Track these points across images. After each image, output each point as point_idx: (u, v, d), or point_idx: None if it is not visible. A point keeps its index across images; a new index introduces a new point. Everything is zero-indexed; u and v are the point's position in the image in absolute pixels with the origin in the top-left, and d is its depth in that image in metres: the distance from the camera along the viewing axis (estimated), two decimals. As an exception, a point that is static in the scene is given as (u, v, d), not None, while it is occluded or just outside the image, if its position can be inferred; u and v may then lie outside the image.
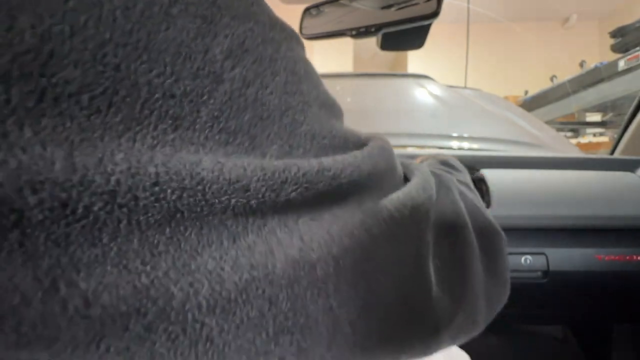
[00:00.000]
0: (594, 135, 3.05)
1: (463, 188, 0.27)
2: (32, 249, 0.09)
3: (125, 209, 0.10)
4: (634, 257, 0.62)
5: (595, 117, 3.12)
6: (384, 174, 0.18)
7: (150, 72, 0.11)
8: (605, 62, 2.60)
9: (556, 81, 3.24)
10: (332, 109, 0.18)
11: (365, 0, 0.50)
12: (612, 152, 0.96)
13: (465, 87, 1.43)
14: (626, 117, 0.94)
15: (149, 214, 0.10)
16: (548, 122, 2.12)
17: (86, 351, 0.09)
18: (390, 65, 5.86)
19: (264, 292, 0.12)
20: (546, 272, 0.61)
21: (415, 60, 4.75)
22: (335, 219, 0.15)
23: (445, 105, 1.21)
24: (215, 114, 0.13)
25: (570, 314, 0.78)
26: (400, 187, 0.19)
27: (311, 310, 0.13)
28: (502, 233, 0.28)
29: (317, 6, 0.54)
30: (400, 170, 0.21)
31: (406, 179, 0.21)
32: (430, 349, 0.19)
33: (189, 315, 0.10)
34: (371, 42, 0.53)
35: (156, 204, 0.10)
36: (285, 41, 0.16)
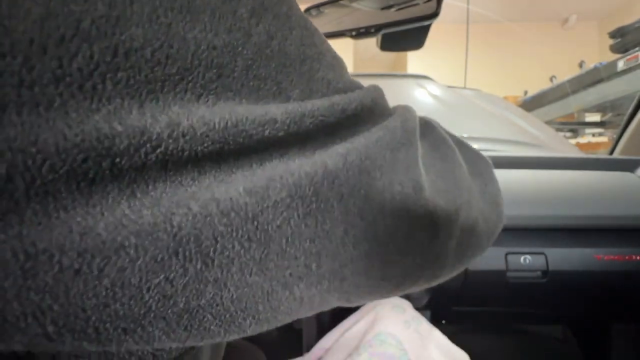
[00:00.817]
0: (593, 135, 3.06)
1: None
2: (117, 172, 0.11)
3: (187, 137, 0.12)
4: (633, 257, 0.62)
5: (595, 117, 3.12)
6: (380, 108, 0.21)
7: (194, 29, 0.13)
8: (604, 63, 2.60)
9: (556, 81, 3.25)
10: (340, 61, 0.21)
11: (365, 1, 0.50)
12: (612, 152, 0.97)
13: (464, 87, 1.43)
14: (625, 117, 0.94)
15: (204, 144, 0.13)
16: (547, 122, 2.12)
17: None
18: (390, 65, 5.86)
19: (287, 180, 0.14)
20: (545, 272, 0.61)
21: (415, 60, 4.76)
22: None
23: (445, 105, 1.21)
24: (249, 62, 0.14)
25: (570, 313, 0.79)
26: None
27: (328, 196, 0.15)
28: (489, 160, 0.30)
29: (317, 7, 0.54)
30: (389, 107, 0.23)
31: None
32: (438, 259, 0.22)
33: (233, 196, 0.13)
34: (371, 43, 0.53)
35: (209, 134, 0.13)
36: (293, 1, 0.18)
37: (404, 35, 0.49)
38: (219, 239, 0.13)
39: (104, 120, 0.11)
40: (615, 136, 0.98)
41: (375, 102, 0.20)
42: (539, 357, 0.99)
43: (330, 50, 0.20)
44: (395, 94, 1.30)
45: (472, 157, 0.29)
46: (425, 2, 0.46)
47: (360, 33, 0.51)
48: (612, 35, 2.69)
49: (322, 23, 0.55)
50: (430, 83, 1.30)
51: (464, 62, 2.20)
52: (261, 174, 0.14)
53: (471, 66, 2.25)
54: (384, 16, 0.49)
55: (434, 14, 0.45)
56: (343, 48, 4.26)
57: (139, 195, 0.12)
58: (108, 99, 0.11)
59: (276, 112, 0.15)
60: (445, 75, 1.85)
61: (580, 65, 2.99)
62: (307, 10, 0.55)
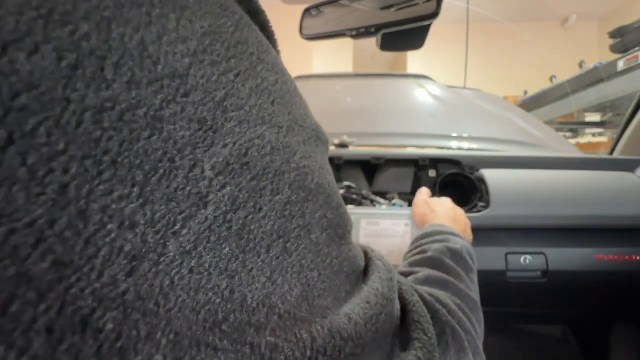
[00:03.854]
0: (593, 135, 3.05)
1: (464, 322, 0.25)
2: None
3: None
4: (633, 257, 0.62)
5: (595, 118, 3.12)
6: (384, 332, 0.17)
7: (109, 195, 0.09)
8: (604, 63, 2.60)
9: (556, 81, 3.24)
10: (337, 229, 0.16)
11: (365, 1, 0.50)
12: (612, 152, 0.97)
13: (464, 87, 1.43)
14: (625, 117, 0.94)
15: None
16: (547, 122, 2.12)
17: None
18: (390, 65, 5.85)
19: None
20: (545, 272, 0.61)
21: (415, 60, 4.75)
22: None
23: (445, 105, 1.21)
24: (188, 248, 0.10)
25: (570, 313, 0.79)
26: (396, 340, 0.19)
27: None
28: None
29: (317, 7, 0.54)
30: (397, 308, 0.19)
31: (403, 311, 0.20)
32: None
33: None
34: (371, 42, 0.53)
35: None
36: (302, 145, 0.14)
37: (404, 35, 0.49)
38: None
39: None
40: (615, 136, 0.98)
41: (379, 329, 0.16)
42: (539, 357, 0.99)
43: (327, 216, 0.15)
44: (395, 94, 1.30)
45: None
46: (425, 2, 0.46)
47: (360, 33, 0.51)
48: (612, 35, 2.68)
49: (322, 23, 0.55)
50: (430, 83, 1.30)
51: (464, 61, 2.21)
52: None
53: (471, 66, 2.25)
54: (384, 16, 0.49)
55: (434, 14, 0.45)
56: (343, 48, 4.26)
57: None
58: None
59: None
60: (445, 75, 1.85)
61: (580, 65, 2.99)
62: (307, 10, 0.55)
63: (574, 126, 3.18)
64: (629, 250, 0.62)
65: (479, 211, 0.63)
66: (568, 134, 3.12)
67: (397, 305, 0.19)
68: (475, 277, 0.34)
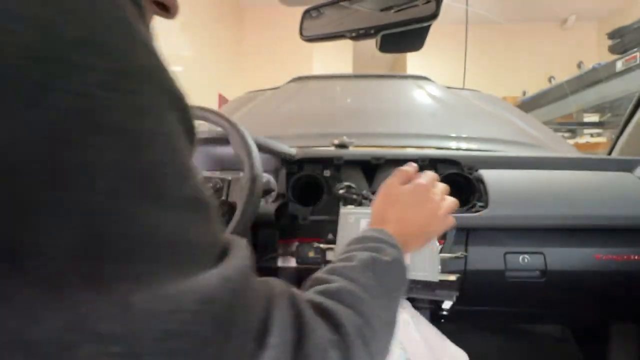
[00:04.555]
0: (592, 135, 3.07)
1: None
2: None
3: None
4: (632, 256, 0.62)
5: (593, 118, 3.13)
6: (227, 324, 0.16)
7: None
8: (603, 63, 2.60)
9: (554, 82, 3.25)
10: (151, 186, 0.14)
11: (364, 2, 0.51)
12: (610, 153, 0.97)
13: (463, 88, 1.43)
14: (624, 118, 0.94)
15: None
16: (546, 123, 2.13)
17: None
18: (389, 66, 5.86)
19: None
20: (544, 272, 0.62)
21: (414, 61, 4.76)
22: None
23: (444, 105, 1.21)
24: None
25: (569, 313, 0.79)
26: (256, 342, 0.18)
27: None
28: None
29: (316, 8, 0.55)
30: (255, 306, 0.19)
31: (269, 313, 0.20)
32: None
33: None
34: (371, 43, 0.53)
35: None
36: (103, 74, 0.13)
37: (404, 36, 0.49)
38: None
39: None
40: (613, 136, 0.98)
41: (217, 324, 0.15)
42: (538, 357, 0.99)
43: (173, 190, 0.15)
44: (394, 94, 1.30)
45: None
46: (425, 3, 0.46)
47: (359, 34, 0.51)
48: (611, 36, 2.69)
49: (322, 24, 0.55)
50: (429, 84, 1.30)
51: (463, 62, 2.21)
52: None
53: (470, 67, 2.26)
54: (384, 17, 0.49)
55: (433, 15, 0.46)
56: (343, 49, 4.27)
57: None
58: None
59: None
60: (444, 75, 1.86)
61: (579, 65, 2.99)
62: (307, 11, 0.56)
63: (573, 126, 3.18)
64: (629, 250, 0.62)
65: (477, 211, 0.63)
66: (566, 134, 3.13)
67: (257, 303, 0.19)
68: (399, 294, 0.32)
